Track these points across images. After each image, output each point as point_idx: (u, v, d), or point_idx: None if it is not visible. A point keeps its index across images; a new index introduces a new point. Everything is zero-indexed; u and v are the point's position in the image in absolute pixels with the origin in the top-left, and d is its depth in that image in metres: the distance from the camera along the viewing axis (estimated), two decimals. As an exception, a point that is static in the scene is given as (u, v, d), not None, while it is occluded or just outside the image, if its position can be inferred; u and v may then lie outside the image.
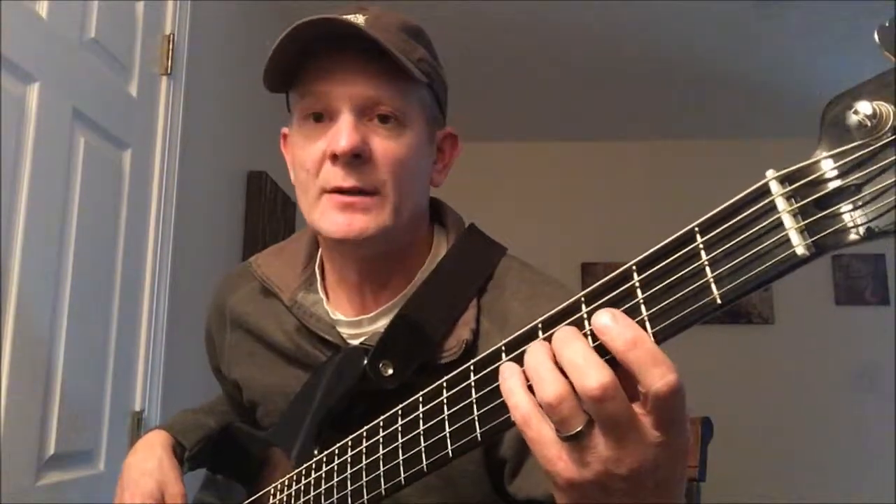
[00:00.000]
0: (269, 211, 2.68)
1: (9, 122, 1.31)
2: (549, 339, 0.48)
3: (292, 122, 0.82)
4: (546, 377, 0.45)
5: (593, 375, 0.43)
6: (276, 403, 0.90)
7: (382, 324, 0.82)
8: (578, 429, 0.45)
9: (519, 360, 0.50)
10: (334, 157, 0.75)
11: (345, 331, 0.85)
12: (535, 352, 0.47)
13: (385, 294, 0.84)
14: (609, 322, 0.43)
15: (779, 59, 3.42)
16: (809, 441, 4.02)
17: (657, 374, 0.42)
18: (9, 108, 1.31)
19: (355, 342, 0.83)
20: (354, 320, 0.85)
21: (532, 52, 3.39)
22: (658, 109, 4.04)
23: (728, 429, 3.01)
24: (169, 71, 1.92)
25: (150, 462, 0.90)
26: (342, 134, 0.74)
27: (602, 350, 0.45)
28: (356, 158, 0.75)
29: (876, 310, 4.16)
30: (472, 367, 0.54)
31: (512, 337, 0.52)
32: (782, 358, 4.13)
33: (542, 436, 0.46)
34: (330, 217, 0.76)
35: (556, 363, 0.46)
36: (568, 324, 0.48)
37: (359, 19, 0.77)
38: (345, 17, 0.76)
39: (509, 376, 0.49)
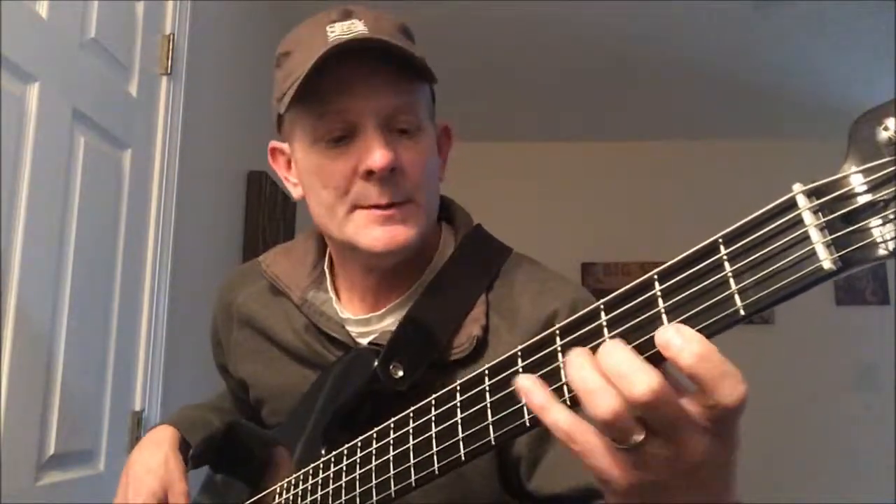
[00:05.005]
0: (269, 211, 2.67)
1: (9, 122, 1.31)
2: (565, 347, 0.48)
3: (297, 139, 0.81)
4: (596, 390, 0.43)
5: (642, 381, 0.41)
6: (282, 402, 0.90)
7: (390, 321, 0.83)
8: (639, 439, 0.43)
9: (534, 365, 0.50)
10: (369, 174, 0.74)
11: (353, 329, 0.85)
12: (579, 363, 0.44)
13: (393, 292, 0.84)
14: (675, 336, 0.41)
15: (779, 59, 3.42)
16: (809, 441, 4.02)
17: (728, 387, 0.41)
18: (9, 108, 1.31)
19: (364, 340, 0.83)
20: (363, 318, 0.85)
21: (532, 52, 3.39)
22: (658, 109, 4.04)
23: (728, 429, 3.02)
24: (169, 71, 1.92)
25: (155, 459, 0.89)
26: (376, 151, 0.74)
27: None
28: (391, 173, 0.75)
29: (876, 310, 4.16)
30: (486, 372, 0.54)
31: (529, 342, 0.51)
32: (782, 358, 4.13)
33: (592, 447, 0.44)
34: (369, 232, 0.76)
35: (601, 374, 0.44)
36: (587, 331, 0.47)
37: (357, 26, 0.75)
38: (345, 23, 0.76)
39: (533, 393, 0.47)
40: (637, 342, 0.44)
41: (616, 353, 0.43)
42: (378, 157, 0.73)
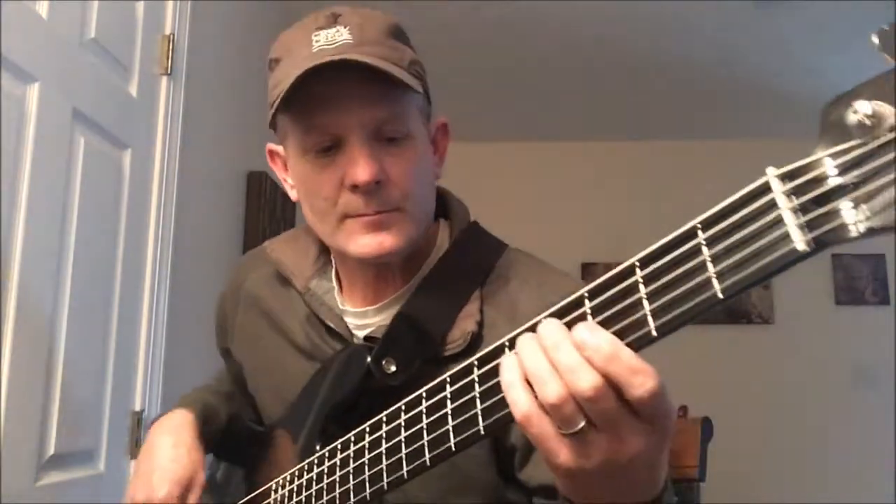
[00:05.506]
0: (269, 211, 2.68)
1: (9, 122, 1.31)
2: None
3: (289, 146, 0.82)
4: (547, 378, 0.47)
5: (586, 378, 0.46)
6: (278, 393, 0.91)
7: (387, 315, 0.84)
8: (580, 426, 0.47)
9: None
10: (354, 187, 0.75)
11: (351, 321, 0.86)
12: (533, 353, 0.48)
13: (391, 286, 0.85)
14: (587, 337, 0.46)
15: (779, 59, 3.43)
16: (809, 441, 4.02)
17: (637, 383, 0.45)
18: (9, 108, 1.31)
19: (361, 333, 0.84)
20: (360, 311, 0.86)
21: (532, 53, 3.39)
22: (658, 109, 4.04)
23: (728, 429, 3.03)
24: (169, 71, 1.92)
25: (181, 447, 0.88)
26: (360, 165, 0.74)
27: None
28: (377, 185, 0.75)
29: (876, 310, 4.16)
30: (475, 362, 0.55)
31: (515, 332, 0.52)
32: (782, 358, 4.13)
33: (544, 432, 0.48)
34: (358, 240, 0.77)
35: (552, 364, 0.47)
36: (572, 319, 0.49)
37: (342, 34, 0.75)
38: (330, 31, 0.75)
39: (508, 371, 0.50)
40: (618, 327, 0.46)
41: (563, 346, 0.47)
42: (361, 171, 0.74)
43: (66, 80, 1.49)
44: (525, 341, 0.49)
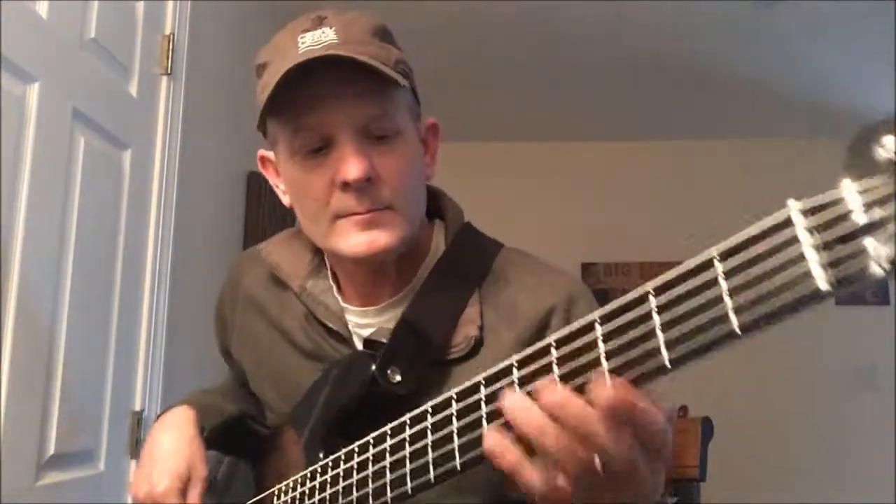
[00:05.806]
0: (269, 211, 2.67)
1: (9, 122, 1.31)
2: (560, 360, 0.49)
3: (279, 151, 0.82)
4: (567, 452, 0.47)
5: (606, 432, 0.46)
6: (280, 390, 0.91)
7: (388, 317, 0.84)
8: (599, 469, 0.47)
9: (531, 375, 0.50)
10: (345, 185, 0.75)
11: (352, 319, 0.86)
12: (545, 427, 0.47)
13: (387, 287, 0.85)
14: (622, 396, 0.44)
15: (779, 59, 3.42)
16: (809, 441, 4.02)
17: (654, 429, 0.46)
18: (9, 108, 1.31)
19: (363, 332, 0.84)
20: (360, 310, 0.86)
21: (532, 53, 3.39)
22: (658, 109, 4.04)
23: (728, 429, 3.02)
24: (169, 71, 1.92)
25: (181, 441, 0.88)
26: (350, 162, 0.74)
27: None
28: (367, 182, 0.75)
29: (876, 310, 4.16)
30: (482, 381, 0.54)
31: (524, 353, 0.52)
32: (782, 358, 4.12)
33: (567, 497, 0.48)
34: (351, 238, 0.77)
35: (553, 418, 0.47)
36: (582, 345, 0.48)
37: (328, 35, 0.75)
38: (316, 32, 0.75)
39: (504, 456, 0.49)
40: (631, 357, 0.45)
41: (574, 405, 0.46)
42: (352, 168, 0.74)
43: (66, 80, 1.49)
44: (528, 414, 0.48)
